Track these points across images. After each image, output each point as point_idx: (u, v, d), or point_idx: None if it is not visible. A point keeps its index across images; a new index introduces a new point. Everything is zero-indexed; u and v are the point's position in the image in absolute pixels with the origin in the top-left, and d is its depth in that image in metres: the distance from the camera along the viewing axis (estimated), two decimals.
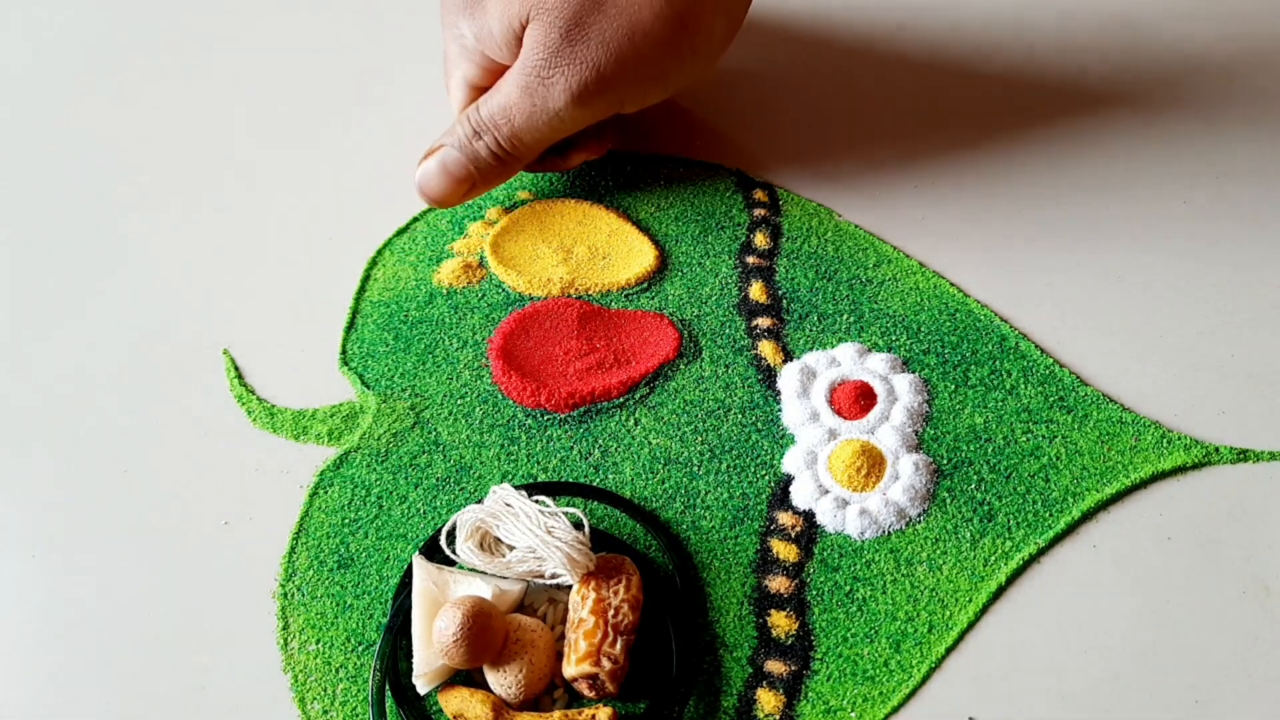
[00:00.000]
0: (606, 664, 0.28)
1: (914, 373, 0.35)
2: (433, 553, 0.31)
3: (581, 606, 0.29)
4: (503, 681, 0.28)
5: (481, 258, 0.39)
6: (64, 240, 0.42)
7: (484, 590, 0.29)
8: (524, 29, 0.33)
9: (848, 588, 0.31)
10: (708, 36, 0.35)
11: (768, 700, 0.29)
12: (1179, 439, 0.33)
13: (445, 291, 0.39)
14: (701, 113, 0.45)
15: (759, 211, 0.40)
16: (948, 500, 0.32)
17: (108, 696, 0.30)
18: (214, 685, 0.30)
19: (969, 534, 0.32)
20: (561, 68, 0.33)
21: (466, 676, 0.29)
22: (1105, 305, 0.37)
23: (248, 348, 0.37)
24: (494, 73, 0.36)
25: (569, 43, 0.32)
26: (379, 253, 0.40)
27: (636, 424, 0.35)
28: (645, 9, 0.32)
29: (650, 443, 0.34)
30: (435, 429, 0.35)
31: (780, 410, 0.35)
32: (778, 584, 0.31)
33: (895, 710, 0.29)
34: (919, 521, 0.32)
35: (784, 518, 0.32)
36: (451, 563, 0.31)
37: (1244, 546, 0.31)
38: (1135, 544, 0.31)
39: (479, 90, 0.37)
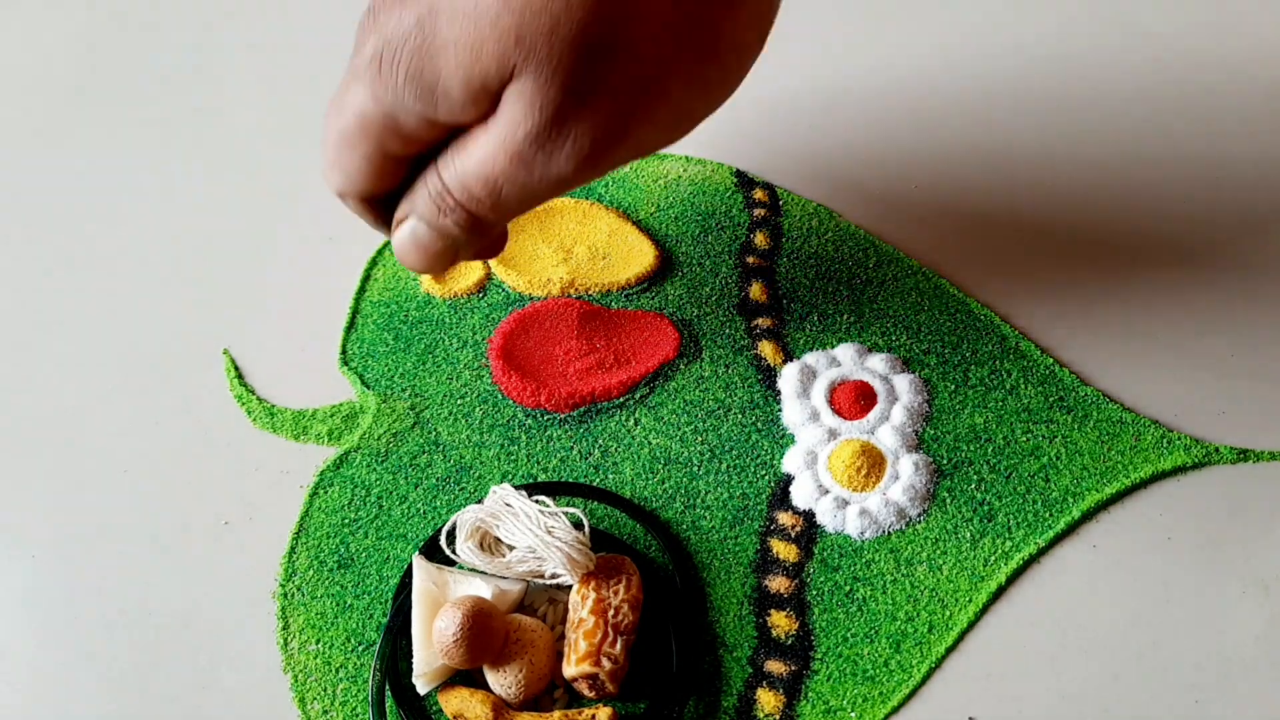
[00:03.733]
0: (606, 664, 0.28)
1: (914, 373, 0.35)
2: (433, 553, 0.31)
3: (581, 606, 0.29)
4: (503, 681, 0.28)
5: None
6: (64, 240, 0.42)
7: (484, 590, 0.29)
8: (503, 85, 0.25)
9: (848, 588, 0.31)
10: (739, 57, 0.27)
11: (768, 700, 0.29)
12: (1179, 439, 0.33)
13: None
14: None
15: (759, 211, 0.40)
16: (948, 500, 0.32)
17: (108, 696, 0.30)
18: (214, 685, 0.30)
19: (969, 534, 0.32)
20: (569, 131, 0.25)
21: (466, 676, 0.29)
22: (1105, 305, 0.37)
23: (248, 348, 0.37)
24: (425, 141, 0.27)
25: (575, 100, 0.25)
26: (379, 253, 0.40)
27: (636, 424, 0.35)
28: (665, 42, 0.25)
29: (650, 443, 0.34)
30: (435, 429, 0.35)
31: (780, 410, 0.35)
32: (778, 584, 0.31)
33: (895, 710, 0.29)
34: (919, 521, 0.32)
35: (784, 518, 0.32)
36: (451, 563, 0.31)
37: (1244, 546, 0.31)
38: (1135, 544, 0.31)
39: (394, 161, 0.28)
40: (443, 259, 0.29)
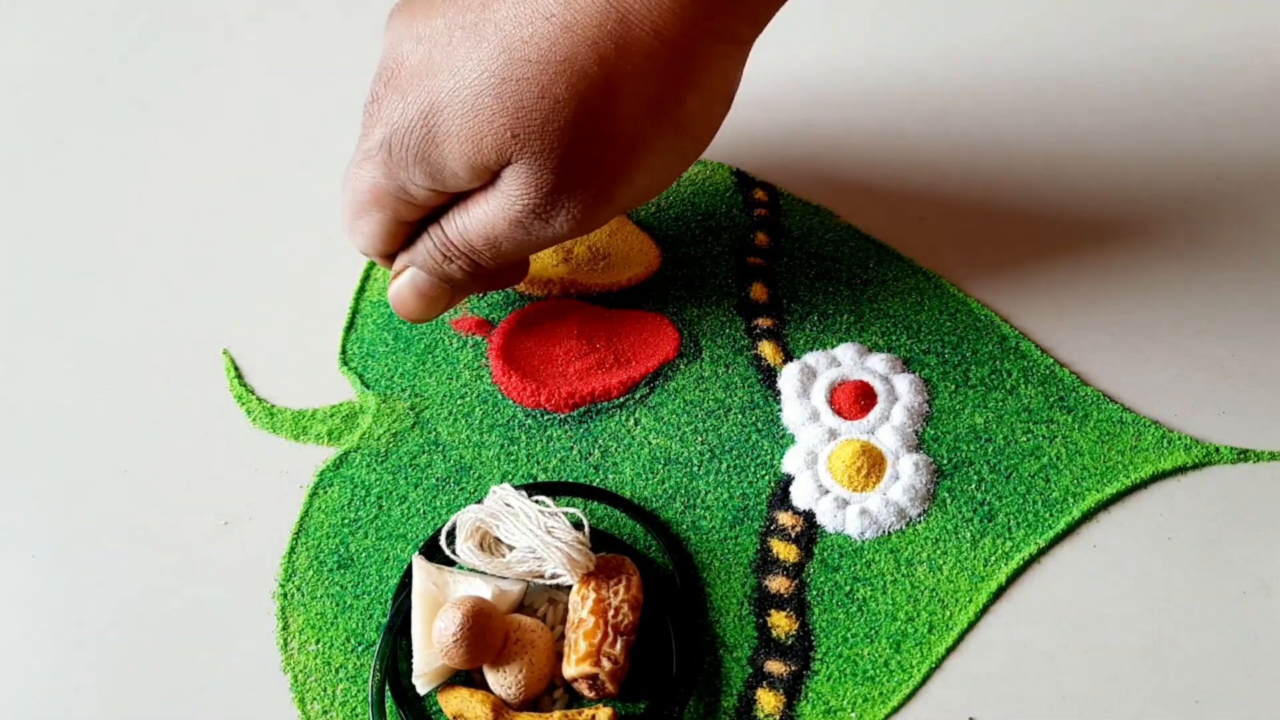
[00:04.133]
0: (606, 664, 0.28)
1: (914, 373, 0.35)
2: (433, 553, 0.31)
3: (581, 606, 0.29)
4: (503, 681, 0.28)
5: None
6: (64, 240, 0.42)
7: (484, 590, 0.29)
8: (502, 166, 0.29)
9: (848, 588, 0.31)
10: (706, 124, 0.31)
11: (768, 700, 0.29)
12: (1179, 439, 0.33)
13: None
14: None
15: (759, 211, 0.40)
16: (948, 500, 0.32)
17: (108, 696, 0.30)
18: (214, 685, 0.30)
19: (969, 534, 0.32)
20: (562, 204, 0.29)
21: (466, 676, 0.29)
22: (1105, 305, 0.37)
23: (248, 348, 0.37)
24: (432, 207, 0.32)
25: (566, 180, 0.29)
26: None
27: (636, 424, 0.35)
28: (640, 123, 0.28)
29: (650, 443, 0.34)
30: (435, 429, 0.35)
31: (780, 410, 0.35)
32: (778, 584, 0.31)
33: (895, 710, 0.29)
34: (919, 522, 0.32)
35: (784, 518, 0.32)
36: (451, 563, 0.31)
37: (1244, 546, 0.31)
38: (1135, 544, 0.31)
39: (407, 225, 0.32)
40: (437, 303, 0.33)
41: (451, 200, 0.31)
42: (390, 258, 0.34)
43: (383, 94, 0.30)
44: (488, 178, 0.30)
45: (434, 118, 0.29)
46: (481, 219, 0.30)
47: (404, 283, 0.33)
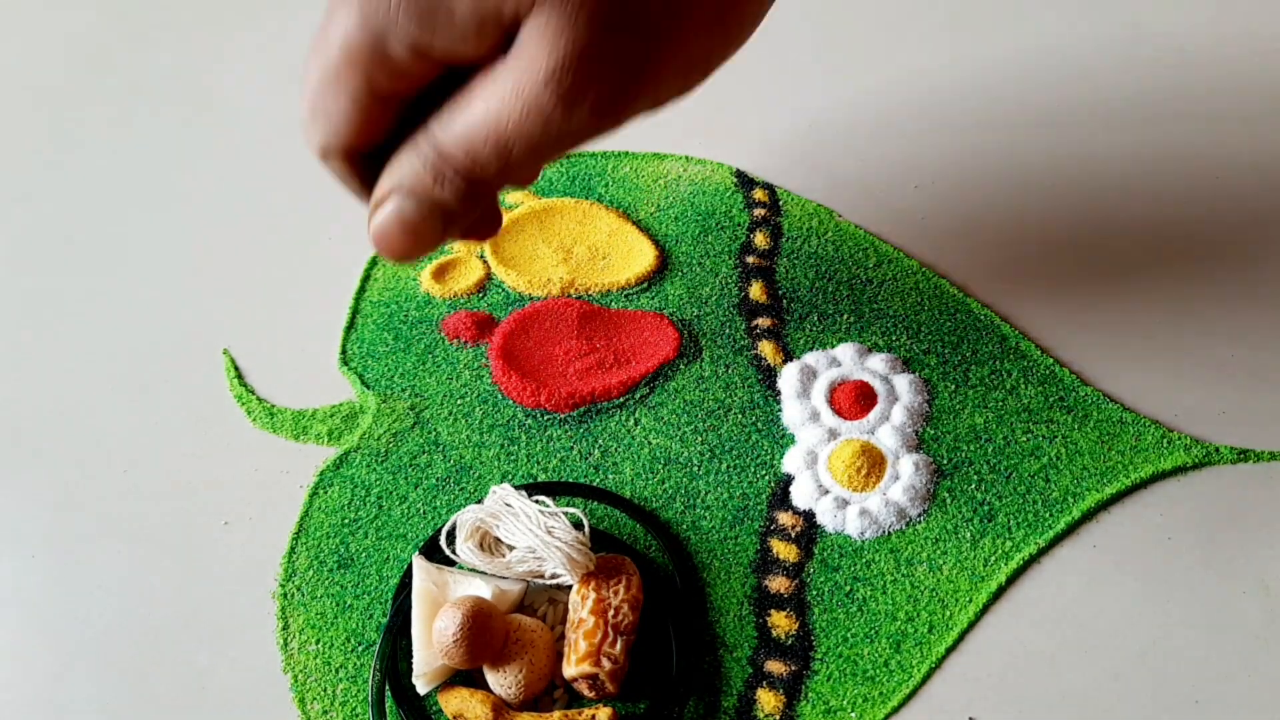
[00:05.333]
0: (606, 664, 0.28)
1: (914, 373, 0.35)
2: (433, 553, 0.31)
3: (581, 606, 0.29)
4: (503, 681, 0.28)
5: (481, 257, 0.39)
6: (64, 240, 0.42)
7: (484, 590, 0.29)
8: (517, 19, 0.22)
9: (848, 588, 0.31)
10: (757, 5, 0.25)
11: (768, 700, 0.29)
12: (1179, 439, 0.33)
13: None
14: (701, 112, 0.45)
15: (759, 211, 0.40)
16: (948, 500, 0.32)
17: (108, 696, 0.30)
18: (214, 685, 0.30)
19: (969, 534, 0.32)
20: (596, 77, 0.22)
21: (466, 676, 0.29)
22: (1105, 305, 0.37)
23: (248, 348, 0.37)
24: (416, 79, 0.24)
25: (602, 37, 0.22)
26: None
27: (636, 424, 0.35)
28: None
29: (650, 443, 0.34)
30: (435, 429, 0.35)
31: (780, 410, 0.35)
32: (778, 584, 0.31)
33: (895, 710, 0.29)
34: (919, 521, 0.32)
35: (784, 518, 0.32)
36: (451, 563, 0.31)
37: (1244, 546, 0.31)
38: (1135, 544, 0.31)
39: (384, 104, 0.25)
40: (429, 240, 0.26)
41: (440, 85, 0.24)
42: (354, 161, 0.26)
43: None
44: (492, 39, 0.23)
45: None
46: (488, 111, 0.23)
47: (389, 215, 0.26)
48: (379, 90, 0.24)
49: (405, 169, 0.25)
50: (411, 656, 0.29)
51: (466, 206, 0.25)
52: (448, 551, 0.30)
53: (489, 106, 0.23)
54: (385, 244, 0.26)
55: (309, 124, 0.25)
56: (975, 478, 0.33)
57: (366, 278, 0.39)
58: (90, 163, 0.45)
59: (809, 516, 0.32)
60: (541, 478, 0.34)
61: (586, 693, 0.28)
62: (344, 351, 0.37)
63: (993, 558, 0.31)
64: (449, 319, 0.37)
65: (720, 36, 0.25)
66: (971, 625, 0.30)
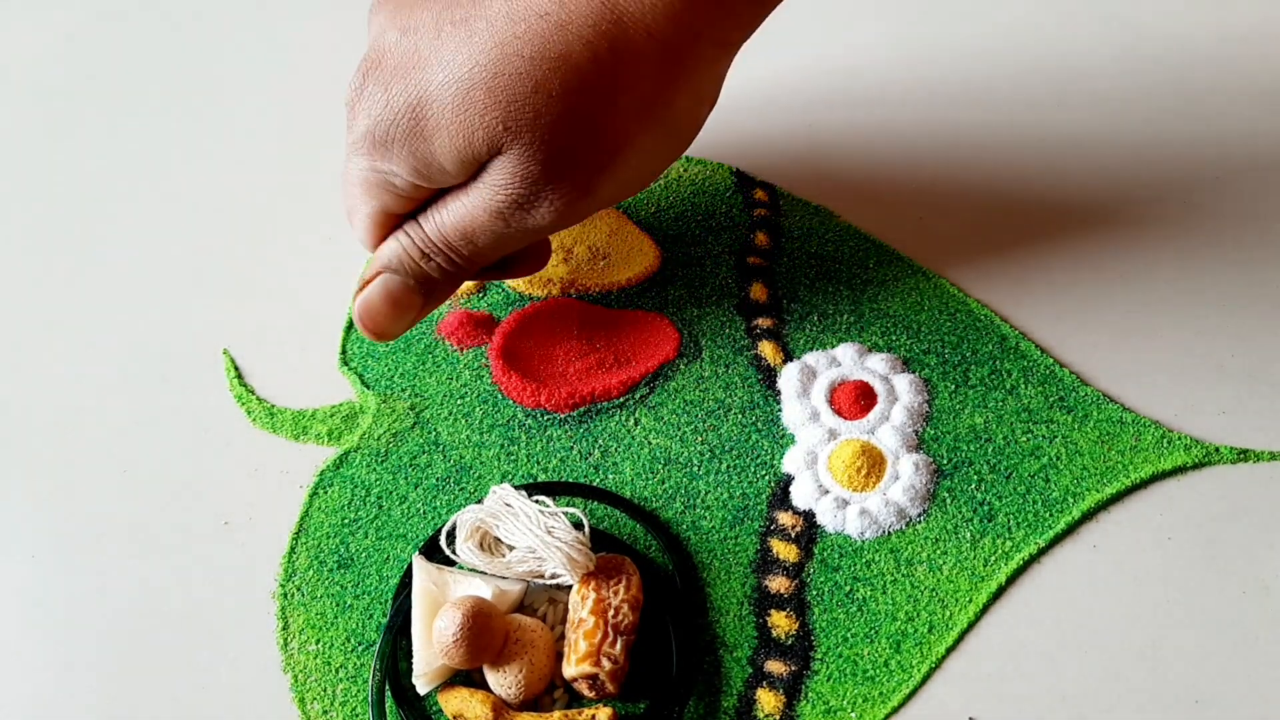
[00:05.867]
0: (606, 664, 0.28)
1: (914, 373, 0.35)
2: (433, 553, 0.31)
3: (581, 606, 0.29)
4: (503, 681, 0.28)
5: None
6: (64, 240, 0.42)
7: (484, 590, 0.29)
8: (490, 157, 0.29)
9: (848, 588, 0.31)
10: (691, 124, 0.31)
11: (768, 700, 0.29)
12: (1179, 439, 0.33)
13: None
14: None
15: (759, 211, 0.40)
16: (948, 500, 0.32)
17: (108, 696, 0.30)
18: (214, 685, 0.30)
19: (969, 534, 0.32)
20: (545, 195, 0.29)
21: (466, 676, 0.29)
22: (1105, 305, 0.37)
23: (248, 348, 0.37)
24: (419, 199, 0.31)
25: (553, 172, 0.29)
26: None
27: (636, 424, 0.35)
28: (628, 118, 0.29)
29: (650, 443, 0.34)
30: (435, 429, 0.35)
31: (780, 410, 0.35)
32: (778, 584, 0.31)
33: (895, 710, 0.29)
34: (919, 521, 0.32)
35: (784, 518, 0.32)
36: (451, 563, 0.31)
37: (1244, 546, 0.31)
38: (1135, 544, 0.31)
39: (395, 217, 0.32)
40: (409, 313, 0.33)
41: (434, 196, 0.31)
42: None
43: (364, 85, 0.30)
44: (475, 171, 0.30)
45: (422, 110, 0.29)
46: (460, 211, 0.30)
47: (375, 292, 0.32)
48: (390, 210, 0.31)
49: (393, 247, 0.32)
50: (411, 656, 0.29)
51: (446, 283, 0.32)
52: (448, 551, 0.30)
53: (464, 209, 0.30)
54: (368, 314, 0.33)
55: (353, 231, 0.33)
56: (975, 478, 0.33)
57: None
58: (89, 162, 0.45)
59: (809, 516, 0.32)
60: (541, 478, 0.34)
61: (586, 693, 0.28)
62: (344, 351, 0.37)
63: (993, 558, 0.31)
64: (448, 318, 0.37)
65: (660, 156, 0.31)
66: (971, 625, 0.30)
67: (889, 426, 0.34)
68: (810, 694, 0.29)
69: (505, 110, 0.28)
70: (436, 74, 0.28)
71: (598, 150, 0.29)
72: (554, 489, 0.33)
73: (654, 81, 0.29)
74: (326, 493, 0.33)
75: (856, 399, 0.34)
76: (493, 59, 0.28)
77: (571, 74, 0.28)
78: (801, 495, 0.33)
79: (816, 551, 0.32)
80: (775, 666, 0.30)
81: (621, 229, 0.40)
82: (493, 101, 0.28)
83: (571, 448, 0.34)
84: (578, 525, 0.30)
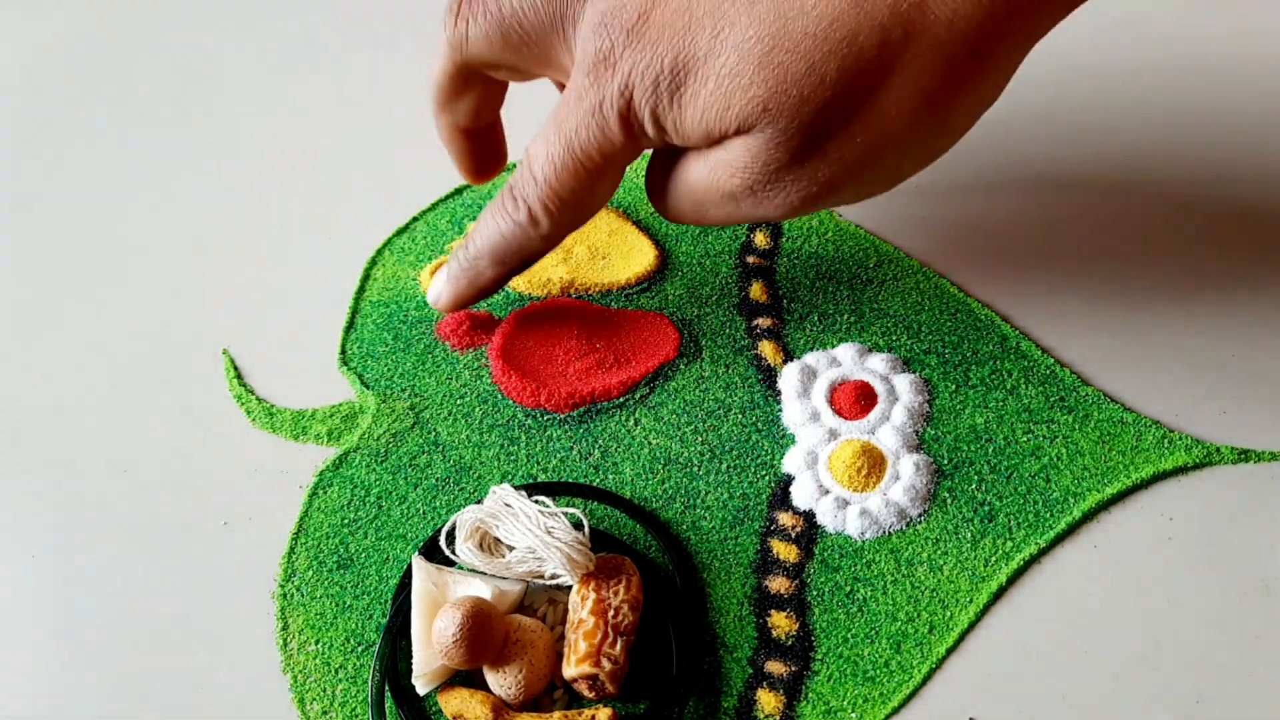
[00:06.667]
0: (606, 664, 0.28)
1: (914, 373, 0.35)
2: (432, 553, 0.31)
3: (581, 607, 0.29)
4: (502, 682, 0.28)
5: None
6: (64, 240, 0.42)
7: (484, 590, 0.29)
8: (738, 132, 0.26)
9: (848, 588, 0.31)
10: (954, 137, 0.28)
11: (768, 701, 0.29)
12: (1180, 439, 0.33)
13: None
14: None
15: None
16: (948, 500, 0.32)
17: (108, 696, 0.30)
18: (214, 685, 0.30)
19: (970, 534, 0.32)
20: (785, 186, 0.27)
21: (466, 677, 0.29)
22: (1105, 305, 0.37)
23: (248, 348, 0.37)
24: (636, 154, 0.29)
25: (797, 165, 0.26)
26: (379, 253, 0.40)
27: (636, 424, 0.35)
28: (904, 121, 0.25)
29: (650, 443, 0.34)
30: (435, 429, 0.35)
31: (780, 410, 0.35)
32: (778, 584, 0.31)
33: (895, 711, 0.29)
34: (919, 522, 0.32)
35: (784, 518, 0.32)
36: (451, 563, 0.31)
37: (1244, 546, 0.31)
38: (1136, 544, 0.31)
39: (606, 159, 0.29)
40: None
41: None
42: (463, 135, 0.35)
43: (624, 43, 0.27)
44: (714, 142, 0.27)
45: (682, 74, 0.26)
46: (693, 184, 0.28)
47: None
48: (621, 168, 0.30)
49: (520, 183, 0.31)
50: (411, 657, 0.29)
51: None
52: (447, 552, 0.30)
53: (697, 181, 0.28)
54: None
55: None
56: (976, 478, 0.33)
57: (366, 278, 0.39)
58: (89, 162, 0.45)
59: (809, 517, 0.32)
60: (541, 478, 0.34)
61: (586, 693, 0.28)
62: (344, 351, 0.37)
63: (993, 558, 0.31)
64: (448, 318, 0.37)
65: (920, 160, 0.28)
66: (972, 626, 0.30)
67: (889, 427, 0.34)
68: (810, 694, 0.29)
69: (771, 90, 0.25)
70: (706, 39, 0.26)
71: (857, 146, 0.26)
72: (554, 489, 0.33)
73: (943, 76, 0.25)
74: (326, 493, 0.33)
75: (857, 399, 0.34)
76: (772, 31, 0.25)
77: (852, 59, 0.25)
78: (802, 495, 0.33)
79: (817, 552, 0.32)
80: (775, 667, 0.30)
81: (621, 229, 0.40)
82: (760, 78, 0.25)
83: (571, 448, 0.34)
84: (577, 525, 0.30)
